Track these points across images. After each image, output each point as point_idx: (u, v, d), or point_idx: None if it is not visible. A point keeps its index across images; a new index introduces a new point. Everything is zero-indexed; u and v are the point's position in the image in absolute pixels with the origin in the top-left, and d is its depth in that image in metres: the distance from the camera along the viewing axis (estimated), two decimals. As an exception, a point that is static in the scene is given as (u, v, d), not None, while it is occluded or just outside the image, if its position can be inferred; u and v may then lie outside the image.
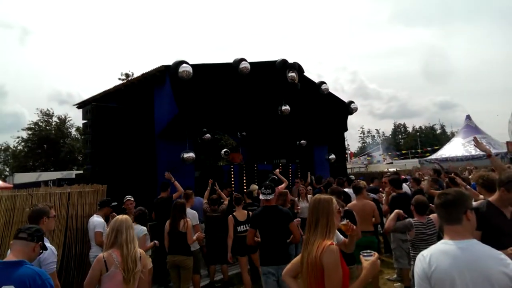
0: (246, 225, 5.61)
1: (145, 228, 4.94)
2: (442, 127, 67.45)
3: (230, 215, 5.74)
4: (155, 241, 5.11)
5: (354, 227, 2.56)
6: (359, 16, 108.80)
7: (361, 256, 2.25)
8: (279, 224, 4.11)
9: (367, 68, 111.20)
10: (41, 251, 2.56)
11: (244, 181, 9.97)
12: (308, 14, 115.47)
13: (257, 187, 8.22)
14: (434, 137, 61.19)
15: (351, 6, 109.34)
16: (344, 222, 2.61)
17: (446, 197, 1.95)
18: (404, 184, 7.37)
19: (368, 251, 2.28)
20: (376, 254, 2.25)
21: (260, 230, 4.26)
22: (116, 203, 5.60)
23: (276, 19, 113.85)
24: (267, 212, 4.20)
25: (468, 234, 1.87)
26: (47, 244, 3.07)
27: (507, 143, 21.33)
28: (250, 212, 5.82)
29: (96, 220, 5.20)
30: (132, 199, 5.85)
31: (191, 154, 7.95)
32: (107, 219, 5.51)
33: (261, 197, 4.35)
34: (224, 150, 14.76)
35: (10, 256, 2.38)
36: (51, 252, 3.05)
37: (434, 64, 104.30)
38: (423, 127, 67.38)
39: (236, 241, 5.58)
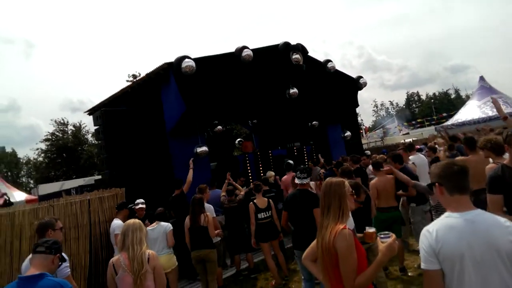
0: (267, 212, 5.65)
1: (169, 223, 5.03)
2: (457, 91, 65.70)
3: (251, 203, 5.76)
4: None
5: (377, 237, 2.35)
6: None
7: (378, 238, 2.21)
8: (308, 207, 4.16)
9: (373, 41, 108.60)
10: (60, 263, 2.65)
11: (261, 168, 9.97)
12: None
13: (273, 173, 8.20)
14: (449, 102, 59.75)
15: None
16: (371, 230, 2.48)
17: (458, 166, 1.87)
18: (420, 154, 7.22)
19: (386, 232, 2.24)
20: (394, 236, 2.21)
21: (291, 213, 4.37)
22: (132, 205, 5.68)
23: (275, 1, 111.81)
24: (300, 195, 4.29)
25: (471, 204, 1.83)
26: None
27: (526, 99, 20.59)
28: (270, 200, 5.85)
29: (115, 223, 5.29)
30: (144, 205, 5.75)
31: (204, 148, 7.98)
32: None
33: (296, 181, 4.44)
34: (238, 139, 14.77)
35: (31, 270, 2.46)
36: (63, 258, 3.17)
37: (440, 28, 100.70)
38: (436, 94, 65.77)
39: (257, 227, 5.61)
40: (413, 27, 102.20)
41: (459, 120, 19.16)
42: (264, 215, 5.61)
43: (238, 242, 6.22)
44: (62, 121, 33.41)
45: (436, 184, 1.92)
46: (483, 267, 1.66)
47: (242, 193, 6.75)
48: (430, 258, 1.75)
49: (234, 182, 7.05)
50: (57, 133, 32.76)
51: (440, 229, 1.76)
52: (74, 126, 34.11)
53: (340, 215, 2.21)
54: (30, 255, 3.03)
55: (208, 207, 5.82)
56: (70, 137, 33.22)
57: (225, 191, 6.64)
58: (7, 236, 4.83)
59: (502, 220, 1.75)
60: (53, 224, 3.39)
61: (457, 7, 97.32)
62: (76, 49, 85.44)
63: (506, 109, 18.35)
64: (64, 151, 31.89)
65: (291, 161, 8.63)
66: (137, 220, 3.15)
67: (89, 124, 35.34)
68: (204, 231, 5.01)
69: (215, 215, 5.81)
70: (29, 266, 2.95)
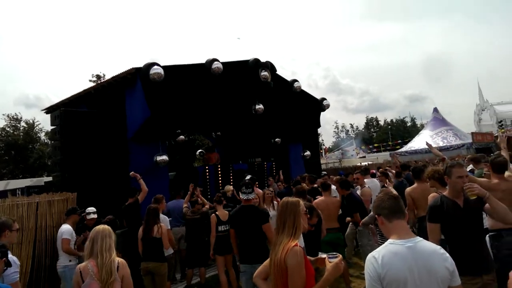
0: (227, 225, 5.64)
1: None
2: (413, 119, 69.55)
3: (213, 214, 5.73)
4: None
5: (328, 262, 2.36)
6: (331, 12, 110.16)
7: (326, 259, 2.31)
8: (254, 223, 4.15)
9: (339, 64, 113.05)
10: (5, 267, 2.54)
11: (220, 181, 9.96)
12: (281, 11, 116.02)
13: (231, 187, 8.22)
14: (405, 130, 63.05)
15: (323, 2, 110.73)
16: (324, 255, 2.44)
17: (387, 195, 2.09)
18: (373, 179, 7.59)
19: (334, 253, 2.35)
20: (340, 256, 2.32)
21: (237, 229, 4.33)
22: (82, 211, 5.46)
23: (249, 17, 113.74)
24: (244, 211, 4.25)
25: (410, 231, 2.02)
26: (9, 255, 3.03)
27: (473, 133, 22.32)
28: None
29: (64, 227, 5.06)
30: (95, 215, 5.51)
31: (164, 157, 7.88)
32: (80, 228, 5.39)
33: (241, 196, 4.37)
34: (199, 150, 14.68)
35: None
36: (13, 262, 3.01)
37: (404, 58, 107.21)
38: (394, 120, 69.25)
39: (216, 240, 5.59)
40: (377, 54, 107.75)
41: (412, 148, 20.35)
42: (224, 228, 5.59)
43: (196, 255, 6.13)
44: (15, 117, 31.50)
45: (376, 215, 2.12)
46: None
47: (207, 206, 6.69)
48: (374, 284, 1.88)
49: (202, 198, 6.95)
50: (8, 129, 30.76)
51: (385, 255, 1.90)
52: (27, 123, 32.22)
53: (293, 232, 2.30)
54: None
55: (163, 218, 5.71)
56: (22, 134, 31.31)
57: (188, 202, 6.57)
58: None
59: (438, 247, 1.94)
60: (10, 225, 3.26)
61: (423, 39, 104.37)
62: (38, 42, 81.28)
63: (455, 141, 19.79)
64: (13, 148, 29.92)
65: (252, 176, 8.72)
66: (106, 226, 3.04)
67: (43, 122, 33.56)
68: (156, 242, 4.89)
69: (169, 227, 5.71)
70: None
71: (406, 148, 21.40)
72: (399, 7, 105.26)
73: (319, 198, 5.65)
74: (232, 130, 12.61)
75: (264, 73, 9.73)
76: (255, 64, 9.67)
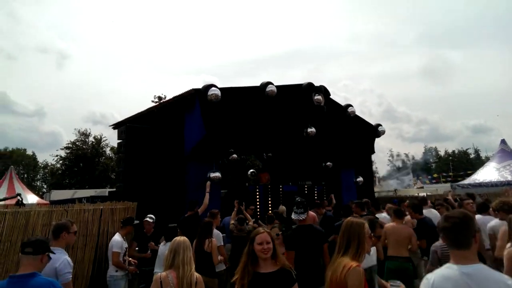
0: None
1: None
2: (476, 151, 64.50)
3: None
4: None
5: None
6: (385, 36, 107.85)
7: (388, 285, 2.27)
8: (315, 243, 3.99)
9: (394, 91, 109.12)
10: (49, 259, 2.74)
11: (270, 202, 10.01)
12: (334, 37, 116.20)
13: (285, 208, 8.20)
14: (468, 162, 58.56)
15: (376, 27, 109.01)
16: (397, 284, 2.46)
17: (454, 220, 1.92)
18: (431, 209, 7.15)
19: (397, 281, 2.30)
20: (403, 286, 2.27)
21: (297, 250, 4.05)
22: (138, 222, 5.79)
23: (303, 43, 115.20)
24: (303, 231, 4.09)
25: (475, 258, 1.86)
26: (64, 256, 3.31)
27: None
28: (280, 233, 5.82)
29: (115, 239, 5.25)
30: (151, 220, 5.94)
31: (218, 174, 8.15)
32: (138, 236, 5.74)
33: (293, 216, 4.25)
34: (251, 170, 14.90)
35: (21, 270, 2.56)
36: (67, 263, 3.26)
37: (465, 86, 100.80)
38: (456, 151, 64.77)
39: None
40: (436, 81, 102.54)
41: (477, 181, 18.80)
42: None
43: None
44: (85, 132, 34.43)
45: (441, 235, 2.02)
46: None
47: (251, 223, 6.76)
48: None
49: (245, 212, 7.08)
50: (78, 143, 33.63)
51: (437, 278, 1.84)
52: (94, 137, 35.03)
53: (357, 254, 2.31)
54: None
55: (217, 234, 5.67)
56: (90, 148, 34.01)
57: (235, 219, 6.65)
58: (20, 234, 5.00)
59: (505, 277, 1.78)
60: (68, 227, 3.51)
61: (485, 68, 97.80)
62: (106, 64, 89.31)
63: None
64: (82, 161, 32.59)
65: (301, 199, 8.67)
66: (186, 238, 3.10)
67: (109, 138, 36.31)
68: (206, 256, 4.91)
69: (222, 243, 5.72)
70: None
71: (469, 180, 19.81)
72: (456, 33, 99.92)
73: (389, 224, 5.42)
74: (283, 152, 12.70)
75: (318, 97, 9.79)
76: (309, 88, 9.78)
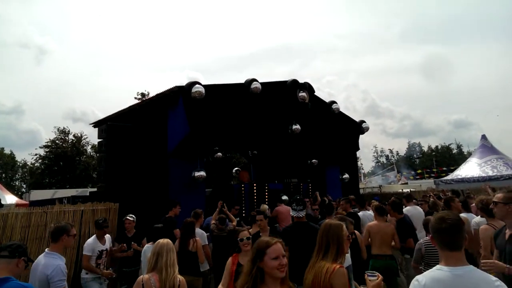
0: None
1: None
2: (459, 146, 66.13)
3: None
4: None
5: (368, 280, 2.29)
6: (370, 32, 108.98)
7: (365, 275, 2.25)
8: (310, 241, 4.05)
9: (378, 87, 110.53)
10: (26, 264, 2.65)
11: (255, 200, 9.95)
12: (320, 33, 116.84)
13: (267, 206, 8.19)
14: (451, 157, 60.00)
15: (361, 23, 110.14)
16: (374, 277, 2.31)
17: (451, 222, 1.89)
18: (416, 206, 7.23)
19: (373, 272, 2.28)
20: (381, 277, 2.24)
21: (290, 247, 4.06)
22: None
23: (288, 38, 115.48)
24: (299, 228, 4.12)
25: (465, 259, 1.86)
26: (58, 262, 3.20)
27: (526, 163, 20.73)
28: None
29: (87, 242, 5.09)
30: (132, 218, 5.80)
31: (202, 173, 8.04)
32: (120, 236, 5.59)
33: (292, 213, 4.30)
34: (236, 168, 14.83)
35: None
36: (59, 270, 3.15)
37: (447, 82, 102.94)
38: (439, 147, 66.20)
39: None
40: (419, 77, 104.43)
41: (459, 176, 19.22)
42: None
43: (221, 273, 6.10)
44: (64, 130, 33.69)
45: (431, 236, 2.01)
46: None
47: (234, 223, 6.71)
48: None
49: (228, 212, 7.02)
50: (58, 141, 32.88)
51: (428, 281, 1.82)
52: (74, 136, 34.33)
53: (337, 256, 2.29)
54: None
55: (201, 233, 5.74)
56: (70, 146, 33.32)
57: (216, 218, 6.61)
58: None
59: (493, 278, 1.78)
60: (68, 230, 3.42)
61: (467, 63, 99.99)
62: (86, 61, 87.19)
63: (506, 171, 18.52)
64: (62, 160, 31.90)
65: (285, 197, 8.65)
66: (169, 241, 3.06)
67: (90, 136, 35.61)
68: (192, 256, 4.93)
69: (206, 243, 5.73)
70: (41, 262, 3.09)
71: (452, 176, 20.23)
72: (442, 29, 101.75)
73: (373, 222, 5.41)
74: (269, 149, 12.67)
75: (302, 94, 9.78)
76: (293, 85, 9.76)
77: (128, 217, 5.82)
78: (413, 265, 4.30)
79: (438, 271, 1.85)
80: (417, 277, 1.90)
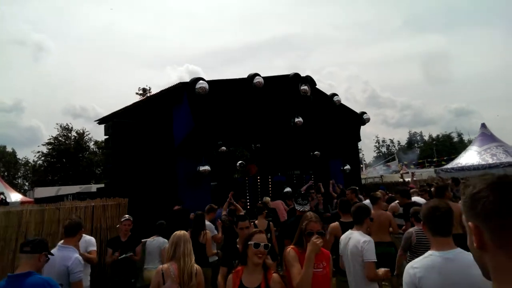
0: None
1: (166, 240, 5.11)
2: (459, 135, 66.10)
3: (252, 224, 5.84)
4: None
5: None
6: (370, 23, 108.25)
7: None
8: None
9: (379, 77, 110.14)
10: (47, 259, 2.80)
11: (259, 192, 10.12)
12: (319, 24, 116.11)
13: (269, 199, 8.35)
14: (451, 146, 60.04)
15: (360, 14, 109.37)
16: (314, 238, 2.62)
17: (444, 209, 2.04)
18: (418, 197, 7.36)
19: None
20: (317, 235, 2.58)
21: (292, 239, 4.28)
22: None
23: (285, 29, 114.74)
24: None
25: (453, 244, 1.99)
26: (76, 255, 3.37)
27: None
28: (271, 223, 5.97)
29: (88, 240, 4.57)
30: (131, 220, 5.28)
31: (207, 167, 8.19)
32: (109, 243, 5.29)
33: (297, 207, 4.43)
34: (240, 162, 14.96)
35: (19, 269, 2.62)
36: (78, 262, 3.32)
37: (447, 71, 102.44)
38: (439, 136, 66.21)
39: None
40: (419, 67, 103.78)
41: (459, 165, 19.32)
42: (261, 237, 5.71)
43: (232, 263, 6.27)
44: (66, 126, 33.69)
45: (421, 222, 2.14)
46: None
47: (242, 213, 6.86)
48: None
49: (235, 203, 7.18)
50: (60, 138, 32.94)
51: (421, 266, 1.93)
52: (77, 132, 34.36)
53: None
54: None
55: (209, 225, 5.91)
56: (73, 143, 33.38)
57: (226, 210, 6.77)
58: (13, 233, 4.97)
59: None
60: (82, 226, 3.64)
61: (467, 52, 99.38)
62: (83, 57, 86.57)
63: (506, 158, 18.66)
64: (65, 156, 31.95)
65: (289, 189, 8.81)
66: (185, 232, 3.21)
67: (92, 132, 35.64)
68: (201, 248, 5.08)
69: (216, 232, 5.89)
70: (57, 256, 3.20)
71: (452, 164, 20.34)
72: (440, 18, 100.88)
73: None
74: (272, 142, 12.78)
75: (304, 87, 9.88)
76: (295, 78, 9.86)
77: (127, 218, 5.28)
78: (400, 253, 4.39)
79: (430, 257, 1.95)
80: (411, 263, 2.00)
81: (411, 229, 4.30)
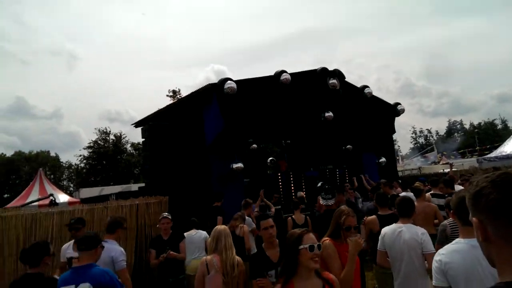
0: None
1: (205, 232, 5.38)
2: (504, 122, 62.26)
3: (289, 218, 5.96)
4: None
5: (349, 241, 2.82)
6: (400, 11, 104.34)
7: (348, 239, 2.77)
8: None
9: (411, 65, 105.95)
10: (102, 248, 3.19)
11: (292, 188, 10.22)
12: (347, 15, 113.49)
13: (303, 194, 8.44)
14: (495, 133, 56.79)
15: (388, 2, 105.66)
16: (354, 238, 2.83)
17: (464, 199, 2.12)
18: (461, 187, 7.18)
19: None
20: (359, 235, 2.78)
21: (320, 235, 4.06)
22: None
23: (310, 22, 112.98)
24: (329, 216, 4.27)
25: None
26: (116, 246, 3.79)
27: None
28: (308, 217, 6.07)
29: (62, 247, 4.54)
30: (170, 217, 5.26)
31: (240, 165, 8.40)
32: (155, 240, 5.43)
33: (321, 202, 4.56)
34: (270, 158, 15.13)
35: (80, 262, 2.99)
36: (120, 252, 3.74)
37: (487, 53, 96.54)
38: (481, 123, 62.74)
39: None
40: (455, 52, 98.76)
41: (503, 153, 18.29)
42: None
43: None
44: (104, 130, 35.42)
45: (451, 211, 2.22)
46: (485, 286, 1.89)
47: (272, 210, 7.04)
48: (439, 277, 2.06)
49: (266, 200, 7.36)
50: (100, 141, 34.66)
51: (448, 252, 2.08)
52: (115, 135, 36.01)
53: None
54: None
55: (248, 220, 6.11)
56: (111, 146, 35.00)
57: (258, 207, 6.97)
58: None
59: None
60: (122, 224, 4.01)
61: (506, 32, 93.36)
62: (112, 63, 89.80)
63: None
64: (104, 159, 33.67)
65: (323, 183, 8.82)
66: (226, 227, 3.49)
67: (128, 134, 37.21)
68: (239, 241, 5.26)
69: (254, 226, 5.96)
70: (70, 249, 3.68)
71: (496, 153, 19.30)
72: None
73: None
74: (302, 138, 12.82)
75: (333, 81, 9.84)
76: (323, 73, 9.84)
77: (165, 216, 5.24)
78: (437, 246, 4.35)
79: (455, 244, 2.12)
80: (439, 250, 2.15)
81: (445, 222, 4.27)
